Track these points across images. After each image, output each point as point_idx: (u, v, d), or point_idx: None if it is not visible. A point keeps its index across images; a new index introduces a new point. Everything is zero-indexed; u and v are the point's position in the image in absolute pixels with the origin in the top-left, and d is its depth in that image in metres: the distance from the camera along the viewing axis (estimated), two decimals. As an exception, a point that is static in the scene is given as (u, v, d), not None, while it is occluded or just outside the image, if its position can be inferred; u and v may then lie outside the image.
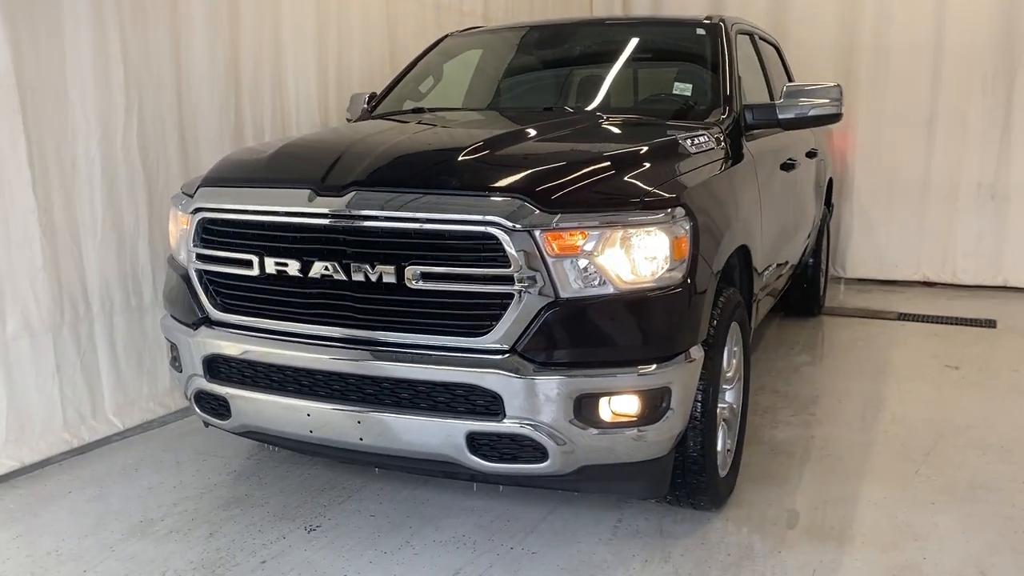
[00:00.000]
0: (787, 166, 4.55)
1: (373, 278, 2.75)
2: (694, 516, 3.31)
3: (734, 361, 3.41)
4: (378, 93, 4.73)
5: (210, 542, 3.16)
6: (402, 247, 2.72)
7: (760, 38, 5.02)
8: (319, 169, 2.92)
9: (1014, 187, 7.32)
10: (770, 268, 4.24)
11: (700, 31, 4.21)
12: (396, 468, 3.25)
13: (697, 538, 3.16)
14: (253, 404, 3.03)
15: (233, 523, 3.30)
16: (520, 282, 2.63)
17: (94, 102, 3.85)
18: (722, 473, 3.29)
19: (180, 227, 3.25)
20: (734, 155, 3.60)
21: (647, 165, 3.00)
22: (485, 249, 2.66)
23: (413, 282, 2.70)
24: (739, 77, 4.01)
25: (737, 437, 3.51)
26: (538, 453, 2.72)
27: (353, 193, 2.78)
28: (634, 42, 4.35)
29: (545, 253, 2.63)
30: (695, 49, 4.17)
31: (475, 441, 2.74)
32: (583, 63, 4.52)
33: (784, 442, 4.06)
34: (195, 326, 3.15)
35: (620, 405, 2.72)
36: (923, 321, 6.48)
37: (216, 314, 3.10)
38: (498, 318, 2.67)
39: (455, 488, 3.52)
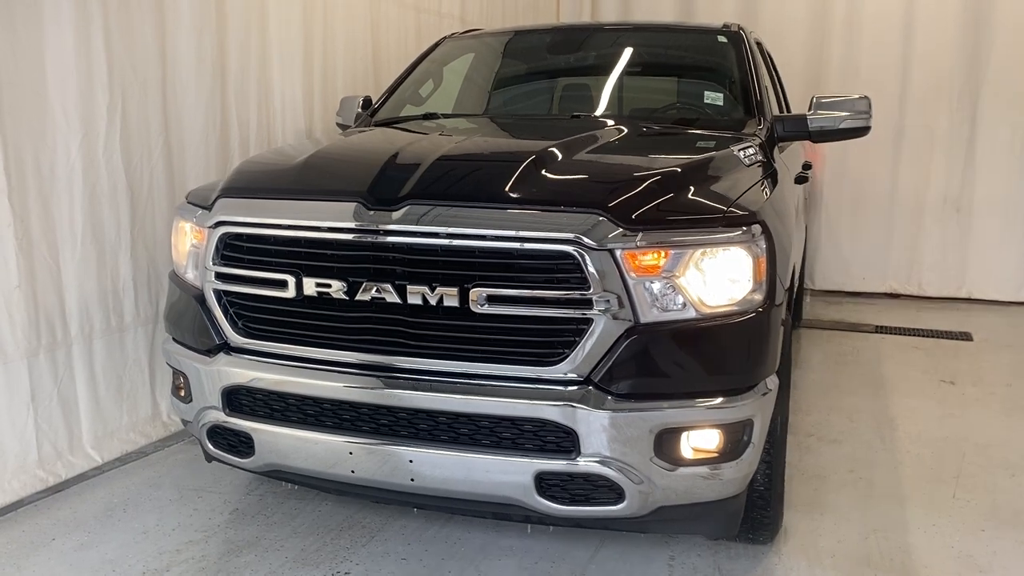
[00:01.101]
0: (800, 179, 4.42)
1: (432, 301, 2.47)
2: (748, 551, 3.12)
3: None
4: (372, 97, 4.44)
5: (229, 595, 2.83)
6: (466, 267, 2.46)
7: (762, 47, 4.91)
8: (364, 180, 2.63)
9: (978, 201, 7.43)
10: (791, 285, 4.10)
11: (722, 39, 4.06)
12: (441, 509, 2.97)
13: (760, 574, 2.98)
14: (283, 441, 2.71)
15: (248, 571, 2.97)
16: (599, 305, 2.39)
17: (75, 101, 3.47)
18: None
19: (192, 242, 2.91)
20: (774, 168, 3.44)
21: (714, 179, 2.80)
22: (560, 269, 2.42)
23: (479, 305, 2.43)
24: (766, 87, 3.86)
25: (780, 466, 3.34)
26: (613, 494, 2.49)
27: (408, 207, 2.50)
28: (657, 49, 4.17)
29: (626, 274, 2.40)
30: (721, 58, 4.01)
31: (544, 482, 2.49)
32: (603, 70, 4.30)
33: (812, 466, 3.92)
34: (211, 353, 2.82)
35: (701, 440, 2.51)
36: (900, 334, 6.49)
37: (237, 340, 2.78)
38: (571, 345, 2.43)
39: (485, 525, 3.25)
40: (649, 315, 2.44)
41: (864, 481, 3.77)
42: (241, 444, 2.81)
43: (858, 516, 3.43)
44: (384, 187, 2.58)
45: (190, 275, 2.96)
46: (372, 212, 2.52)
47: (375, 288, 2.51)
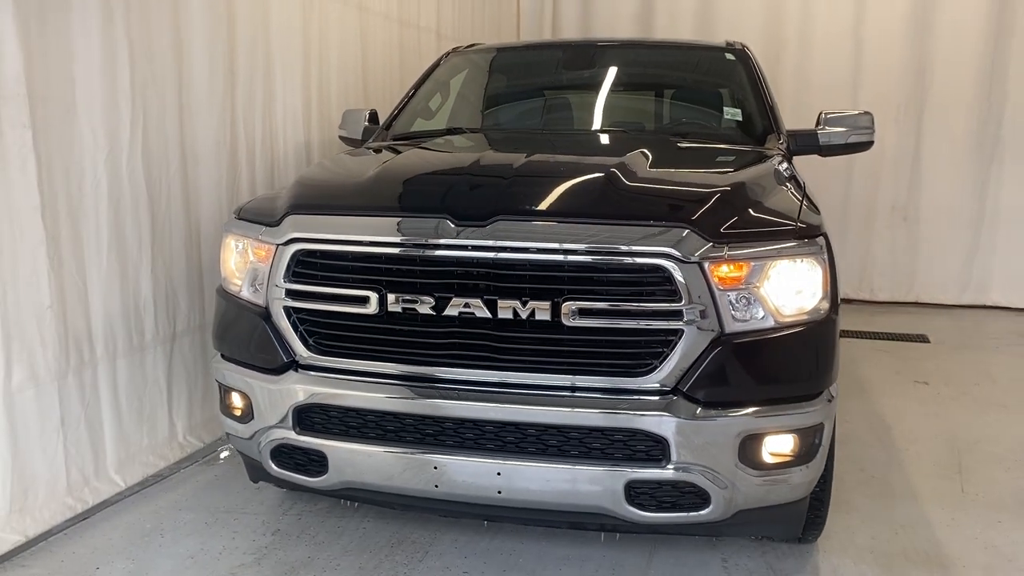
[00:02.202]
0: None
1: (523, 315, 2.50)
2: (793, 550, 3.24)
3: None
4: (377, 110, 4.42)
5: (299, 618, 2.79)
6: (556, 281, 2.51)
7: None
8: (448, 196, 2.64)
9: (924, 210, 7.83)
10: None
11: (730, 56, 4.20)
12: (518, 521, 2.98)
13: (809, 572, 3.10)
14: (361, 458, 2.69)
15: (312, 593, 2.93)
16: (688, 317, 2.47)
17: (101, 115, 3.36)
18: (824, 504, 3.24)
19: (252, 259, 2.86)
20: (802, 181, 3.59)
21: (774, 193, 2.91)
22: (650, 282, 2.48)
23: (570, 319, 2.48)
24: (777, 103, 4.02)
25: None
26: (699, 500, 2.57)
27: (497, 222, 2.53)
28: (669, 66, 4.28)
29: (713, 285, 2.49)
30: (732, 75, 4.15)
31: (634, 490, 2.55)
32: (619, 86, 4.37)
33: (827, 466, 4.07)
34: (278, 371, 2.78)
35: (780, 445, 2.61)
36: (862, 337, 6.77)
37: (307, 357, 2.74)
38: (660, 356, 2.50)
39: (537, 535, 3.28)
40: (733, 325, 2.52)
41: (876, 480, 3.95)
42: (312, 463, 2.77)
43: (883, 513, 3.59)
44: (471, 203, 2.60)
45: (246, 292, 2.90)
46: (460, 227, 2.53)
47: (463, 303, 2.53)
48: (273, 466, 2.86)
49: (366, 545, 3.24)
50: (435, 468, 2.61)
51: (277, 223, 2.77)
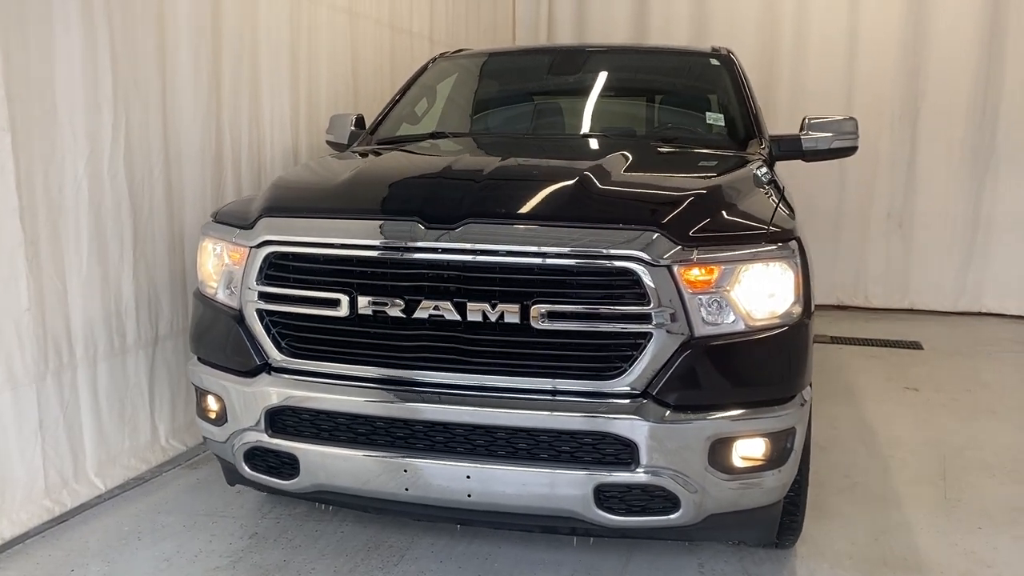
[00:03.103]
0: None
1: (492, 318, 2.51)
2: (770, 555, 3.23)
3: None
4: (363, 115, 4.44)
5: (271, 621, 2.78)
6: (526, 283, 2.51)
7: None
8: (419, 199, 2.65)
9: (918, 216, 7.81)
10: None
11: (715, 62, 4.21)
12: (489, 525, 2.98)
13: (786, 578, 3.09)
14: (332, 461, 2.69)
15: (286, 596, 2.93)
16: (657, 320, 2.47)
17: (82, 118, 3.37)
18: (800, 509, 3.23)
19: (227, 262, 2.86)
20: (782, 186, 3.59)
21: (748, 197, 2.91)
22: (620, 285, 2.48)
23: (539, 322, 2.48)
24: (760, 108, 4.02)
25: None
26: (669, 504, 2.56)
27: (467, 225, 2.53)
28: (653, 71, 4.29)
29: (682, 289, 2.48)
30: (716, 80, 4.16)
31: (603, 493, 2.54)
32: (608, 91, 4.36)
33: (810, 472, 4.05)
34: (252, 374, 2.78)
35: (750, 449, 2.61)
36: (855, 344, 6.76)
37: (280, 360, 2.75)
38: (629, 359, 2.50)
39: (513, 540, 3.28)
40: (703, 329, 2.52)
41: (859, 485, 3.93)
42: (284, 466, 2.78)
43: (863, 519, 3.58)
44: (441, 206, 2.60)
45: (221, 295, 2.91)
46: (430, 230, 2.54)
47: (433, 306, 2.53)
48: (247, 469, 2.87)
49: (343, 549, 3.24)
50: (405, 471, 2.60)
51: (251, 226, 2.78)
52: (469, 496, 2.58)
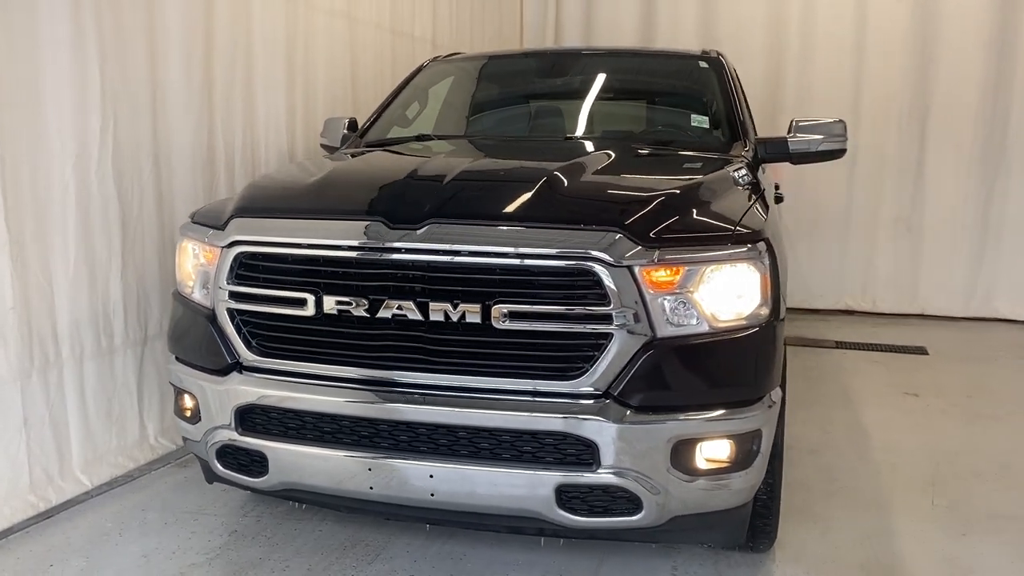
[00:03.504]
0: (778, 199, 4.59)
1: (454, 318, 2.52)
2: (747, 559, 3.21)
3: (776, 398, 3.35)
4: (357, 119, 4.47)
5: (240, 616, 2.81)
6: (487, 284, 2.52)
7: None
8: (385, 200, 2.68)
9: (928, 220, 7.73)
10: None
11: (703, 64, 4.20)
12: (456, 524, 2.99)
13: (760, 582, 3.07)
14: (299, 459, 2.72)
15: (258, 593, 2.96)
16: (618, 321, 2.47)
17: (70, 122, 3.44)
18: (776, 514, 3.21)
19: (199, 262, 2.91)
20: (763, 188, 3.57)
21: (720, 198, 2.91)
22: (580, 286, 2.49)
23: (500, 322, 2.49)
24: (749, 110, 4.01)
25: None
26: (631, 505, 2.56)
27: (429, 226, 2.55)
28: (641, 74, 4.30)
29: (644, 290, 2.48)
30: (703, 83, 4.16)
31: (565, 494, 2.55)
32: (594, 93, 4.38)
33: (798, 477, 4.03)
34: (223, 372, 2.82)
35: (715, 451, 2.60)
36: (860, 349, 6.70)
37: (251, 359, 2.78)
38: (591, 359, 2.51)
39: (489, 541, 3.29)
40: (665, 330, 2.52)
41: (847, 490, 3.90)
42: (253, 463, 2.81)
43: (847, 524, 3.55)
44: (405, 206, 2.63)
45: (197, 295, 2.95)
46: (394, 231, 2.56)
47: (396, 305, 2.55)
48: (219, 466, 2.90)
49: (319, 547, 3.27)
50: (370, 470, 2.63)
51: (223, 226, 2.82)
52: (432, 495, 2.60)
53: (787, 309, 7.83)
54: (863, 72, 7.66)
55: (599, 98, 4.28)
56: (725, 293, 2.58)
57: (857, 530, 3.49)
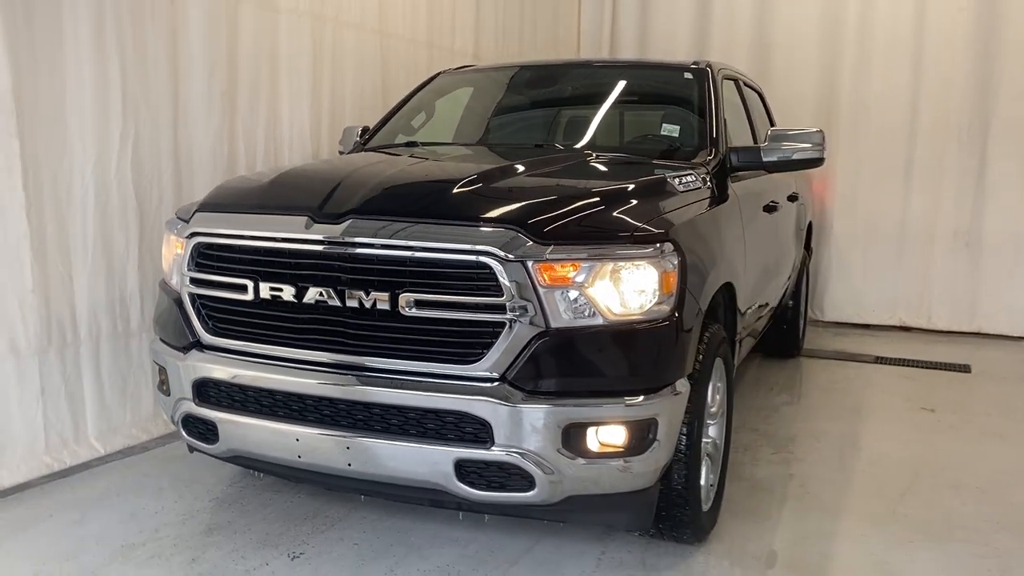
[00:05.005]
0: (769, 208, 4.65)
1: (367, 304, 2.79)
2: (676, 550, 3.33)
3: (718, 397, 3.46)
4: (370, 127, 4.81)
5: (192, 568, 3.15)
6: (397, 274, 2.78)
7: (744, 84, 5.16)
8: (315, 197, 2.98)
9: (987, 235, 7.46)
10: (752, 308, 4.31)
11: (688, 75, 4.34)
12: (382, 496, 3.25)
13: (679, 571, 3.19)
14: (242, 429, 3.04)
15: (215, 549, 3.29)
16: (512, 311, 2.68)
17: (92, 129, 3.90)
18: (705, 507, 3.32)
19: (174, 251, 3.28)
20: (720, 195, 3.69)
21: (636, 201, 3.07)
22: (478, 278, 2.71)
23: (407, 309, 2.75)
24: (725, 120, 4.12)
25: (720, 472, 3.55)
26: (525, 482, 2.75)
27: (350, 221, 2.84)
28: (623, 84, 4.47)
29: (537, 283, 2.68)
30: (683, 92, 4.29)
31: (463, 469, 2.76)
32: (572, 103, 4.63)
33: (764, 479, 4.10)
34: (186, 350, 3.17)
35: (607, 435, 2.76)
36: (899, 365, 6.56)
37: (207, 338, 3.13)
38: (489, 346, 2.72)
39: (439, 518, 3.53)
40: (559, 321, 2.71)
41: (810, 495, 3.94)
42: (208, 432, 3.15)
43: (793, 526, 3.61)
44: (331, 203, 2.93)
45: (173, 281, 3.33)
46: (318, 225, 2.86)
47: (319, 293, 2.85)
48: (184, 434, 3.26)
49: (284, 516, 3.59)
50: (297, 440, 2.92)
51: (188, 220, 3.19)
52: (349, 465, 2.87)
53: (836, 323, 7.73)
54: (921, 81, 7.47)
55: (577, 107, 4.48)
56: (621, 289, 2.75)
57: (800, 531, 3.54)
